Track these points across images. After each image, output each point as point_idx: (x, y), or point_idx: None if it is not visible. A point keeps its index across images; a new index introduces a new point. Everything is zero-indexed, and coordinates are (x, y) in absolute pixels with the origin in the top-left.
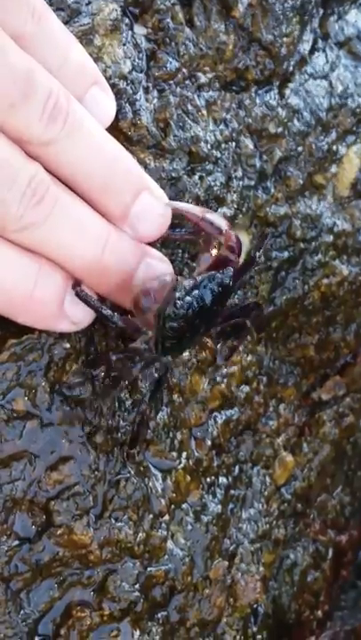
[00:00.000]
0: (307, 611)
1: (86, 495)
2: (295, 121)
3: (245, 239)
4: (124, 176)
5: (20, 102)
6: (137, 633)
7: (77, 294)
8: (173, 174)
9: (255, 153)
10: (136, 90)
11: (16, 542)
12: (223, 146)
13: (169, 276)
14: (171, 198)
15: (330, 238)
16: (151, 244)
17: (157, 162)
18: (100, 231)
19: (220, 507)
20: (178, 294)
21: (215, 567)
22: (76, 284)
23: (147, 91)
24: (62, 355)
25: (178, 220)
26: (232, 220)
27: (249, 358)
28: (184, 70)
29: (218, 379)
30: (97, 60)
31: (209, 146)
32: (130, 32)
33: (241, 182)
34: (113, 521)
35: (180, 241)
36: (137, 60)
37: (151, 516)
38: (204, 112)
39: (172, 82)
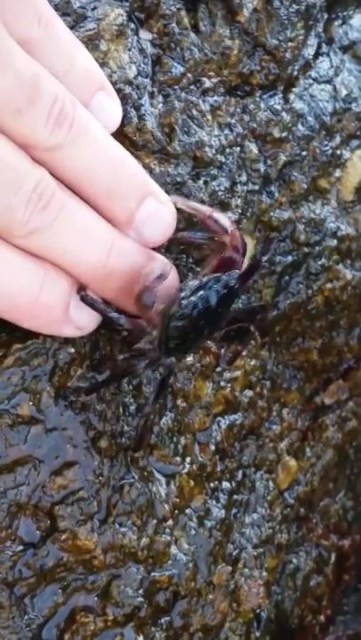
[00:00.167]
0: (309, 615)
1: (90, 500)
2: (299, 125)
3: (250, 244)
4: (129, 181)
5: (25, 107)
6: (140, 638)
7: (83, 299)
8: (178, 179)
9: (260, 157)
10: (141, 95)
11: (20, 547)
12: (228, 150)
13: (168, 265)
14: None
15: (334, 243)
16: (156, 249)
17: (162, 167)
18: (106, 236)
19: (223, 512)
20: (183, 294)
21: (219, 572)
22: (81, 288)
23: (152, 96)
24: (67, 360)
25: (182, 224)
26: (236, 225)
27: (253, 363)
28: (189, 75)
29: (222, 383)
30: (103, 65)
31: (213, 150)
32: (135, 37)
33: (245, 187)
34: (117, 526)
35: (192, 244)
36: (142, 65)
37: (155, 521)
38: (209, 117)
39: (177, 87)
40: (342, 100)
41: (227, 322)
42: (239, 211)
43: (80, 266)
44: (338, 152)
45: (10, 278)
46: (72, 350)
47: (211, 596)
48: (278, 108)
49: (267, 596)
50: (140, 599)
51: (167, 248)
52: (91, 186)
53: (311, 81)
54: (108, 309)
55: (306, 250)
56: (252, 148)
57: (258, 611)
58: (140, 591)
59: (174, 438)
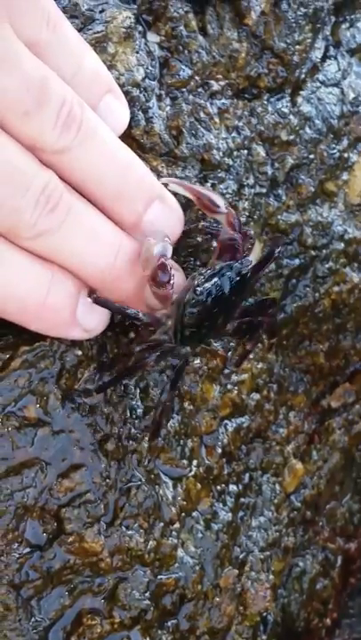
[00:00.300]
0: (315, 619)
1: (97, 503)
2: (307, 128)
3: (257, 246)
4: (136, 184)
5: (33, 110)
6: None
7: (96, 300)
8: (186, 182)
9: (267, 160)
10: (149, 97)
11: (27, 550)
12: (235, 153)
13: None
14: (183, 206)
15: (341, 246)
16: None
17: (170, 169)
18: (113, 239)
19: (230, 515)
20: (196, 282)
21: (225, 575)
22: (92, 291)
23: (160, 98)
24: (74, 362)
25: (187, 226)
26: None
27: (260, 366)
28: (197, 78)
29: (229, 386)
30: (110, 67)
31: (221, 153)
32: (143, 40)
33: (253, 190)
34: (124, 529)
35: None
36: (150, 68)
37: (162, 523)
38: (217, 120)
39: (184, 89)
40: (350, 103)
41: (239, 314)
42: (246, 213)
43: (87, 268)
44: (345, 155)
45: (17, 280)
46: (79, 353)
47: (217, 599)
48: (286, 111)
49: (273, 599)
50: (147, 602)
51: (175, 251)
52: (98, 188)
53: (319, 84)
54: (123, 306)
55: (313, 253)
56: (260, 150)
57: (264, 614)
58: (147, 594)
59: (181, 441)
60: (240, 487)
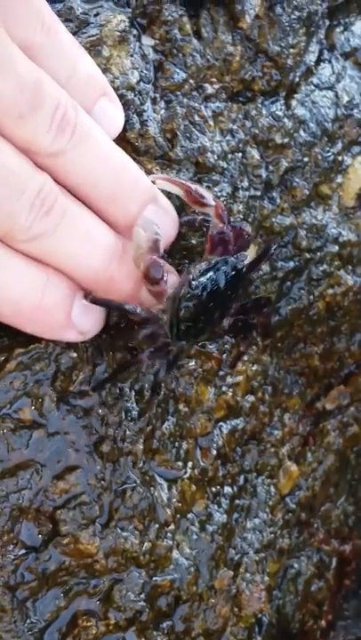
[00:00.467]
0: (310, 620)
1: (92, 504)
2: (301, 131)
3: (252, 249)
4: (131, 187)
5: (28, 113)
6: None
7: (93, 300)
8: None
9: (261, 163)
10: (143, 101)
11: (22, 551)
12: (230, 156)
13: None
14: (177, 209)
15: (335, 248)
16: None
17: (164, 172)
18: (108, 241)
19: (225, 516)
20: (191, 276)
21: (220, 577)
22: (87, 293)
23: (154, 101)
24: (69, 364)
25: (183, 229)
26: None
27: (254, 368)
28: (191, 81)
29: (223, 388)
30: (105, 70)
31: (215, 156)
32: (138, 43)
33: (247, 192)
34: (119, 530)
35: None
36: (144, 71)
37: (157, 525)
38: (211, 123)
39: (179, 93)
40: (344, 106)
41: (235, 312)
42: (241, 216)
43: (82, 270)
44: (339, 158)
45: (12, 283)
46: (74, 355)
47: (212, 601)
48: (280, 114)
49: (268, 600)
50: (142, 603)
51: (169, 253)
52: (93, 191)
53: (313, 87)
54: (121, 303)
55: (307, 256)
56: (254, 153)
57: (259, 615)
58: (142, 595)
59: (176, 443)
60: (235, 489)
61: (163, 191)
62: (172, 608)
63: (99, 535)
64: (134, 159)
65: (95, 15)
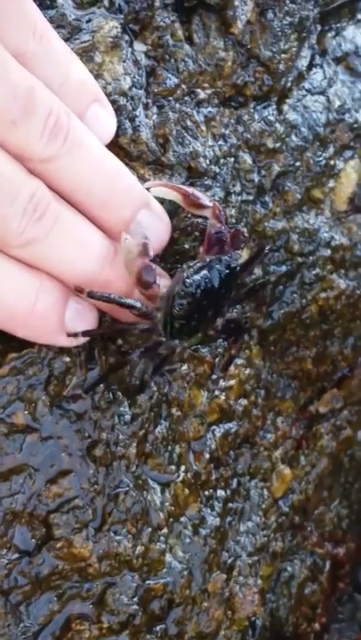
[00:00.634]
0: (304, 623)
1: (86, 508)
2: (293, 136)
3: (244, 253)
4: (123, 192)
5: (20, 119)
6: None
7: (90, 295)
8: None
9: (254, 168)
10: (136, 106)
11: (16, 555)
12: (222, 161)
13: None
14: (169, 212)
15: (327, 252)
16: (151, 260)
17: (157, 177)
18: (101, 246)
19: (218, 520)
20: (185, 274)
21: (213, 580)
22: (79, 290)
23: (146, 107)
24: (62, 369)
25: (177, 234)
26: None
27: (247, 372)
28: (183, 86)
29: (216, 392)
30: (97, 76)
31: (208, 161)
32: (130, 49)
33: (239, 197)
34: (112, 534)
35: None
36: (137, 77)
37: (150, 529)
38: (204, 128)
39: (171, 98)
40: (336, 110)
41: (230, 302)
42: (233, 220)
43: (76, 275)
44: (331, 162)
45: (5, 288)
46: (67, 359)
47: (205, 604)
48: (272, 118)
49: (261, 603)
50: (135, 607)
51: (162, 257)
52: (86, 197)
53: (305, 92)
54: (120, 297)
55: (300, 259)
56: (246, 158)
57: (253, 618)
58: (135, 599)
59: (169, 447)
60: (228, 492)
61: (157, 197)
62: (166, 611)
63: (92, 539)
64: (127, 164)
65: (87, 21)
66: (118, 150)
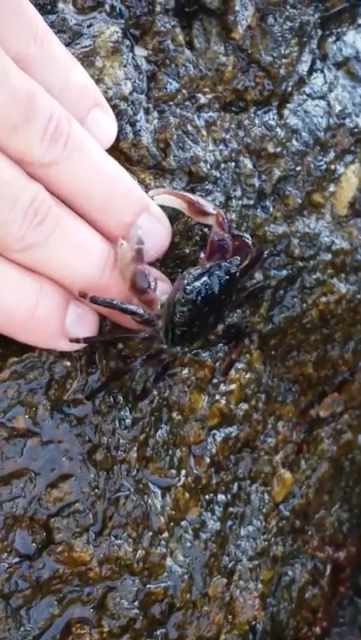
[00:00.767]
0: (305, 627)
1: (86, 512)
2: (294, 141)
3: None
4: (124, 197)
5: (21, 124)
6: None
7: (93, 300)
8: (174, 190)
9: (254, 172)
10: (137, 111)
11: (16, 559)
12: (223, 166)
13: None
14: (170, 217)
15: (328, 257)
16: (151, 264)
17: (158, 182)
18: (101, 251)
19: (218, 524)
20: (186, 281)
21: (214, 584)
22: (82, 294)
23: (147, 111)
24: (63, 373)
25: (177, 238)
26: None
27: (248, 376)
28: (184, 91)
29: (217, 396)
30: (98, 81)
31: (208, 166)
32: (130, 54)
33: (240, 202)
34: (112, 538)
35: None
36: (137, 82)
37: (150, 533)
38: (204, 132)
39: (172, 103)
40: (336, 115)
41: (230, 307)
42: (234, 225)
43: (76, 279)
44: (332, 167)
45: (6, 293)
46: (68, 364)
47: (206, 608)
48: (273, 123)
49: (262, 608)
50: (136, 611)
51: (163, 262)
52: (86, 201)
53: (305, 97)
54: (122, 302)
55: (300, 264)
56: (247, 163)
57: (253, 623)
58: (136, 603)
59: (170, 451)
60: (229, 497)
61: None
62: (166, 615)
63: (92, 543)
64: (127, 169)
65: (88, 26)
66: (119, 155)
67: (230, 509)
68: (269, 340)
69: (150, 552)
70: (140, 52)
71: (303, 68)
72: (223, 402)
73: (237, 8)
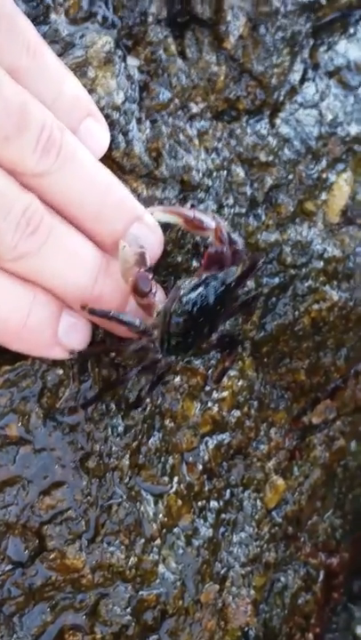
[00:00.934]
0: (298, 633)
1: (79, 520)
2: (286, 150)
3: (239, 269)
4: (116, 206)
5: (14, 135)
6: None
7: (91, 311)
8: (166, 202)
9: (246, 181)
10: (129, 120)
11: (9, 567)
12: (215, 174)
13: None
14: (162, 226)
15: (320, 264)
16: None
17: (150, 190)
18: (94, 260)
19: (211, 530)
20: (182, 292)
21: (206, 591)
22: (83, 307)
23: (139, 121)
24: (55, 381)
25: (170, 246)
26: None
27: (240, 383)
28: (176, 101)
29: (209, 404)
30: (91, 91)
31: (201, 174)
32: (123, 64)
33: (232, 210)
34: (105, 545)
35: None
36: (130, 91)
37: (143, 540)
38: (196, 141)
39: (164, 112)
40: (328, 124)
41: (225, 316)
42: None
43: (69, 289)
44: (324, 175)
45: None
46: (60, 372)
47: (198, 615)
48: (264, 132)
49: (255, 614)
50: (128, 618)
51: (155, 270)
52: (79, 211)
53: (297, 106)
54: (120, 314)
55: (293, 272)
56: (239, 171)
57: (246, 629)
58: (128, 610)
59: (162, 458)
60: (221, 503)
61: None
62: (159, 622)
63: (85, 550)
64: (120, 178)
65: (81, 37)
66: (111, 164)
67: (223, 516)
68: (262, 348)
69: (143, 559)
70: (133, 62)
71: (295, 77)
72: (216, 409)
73: (229, 18)
